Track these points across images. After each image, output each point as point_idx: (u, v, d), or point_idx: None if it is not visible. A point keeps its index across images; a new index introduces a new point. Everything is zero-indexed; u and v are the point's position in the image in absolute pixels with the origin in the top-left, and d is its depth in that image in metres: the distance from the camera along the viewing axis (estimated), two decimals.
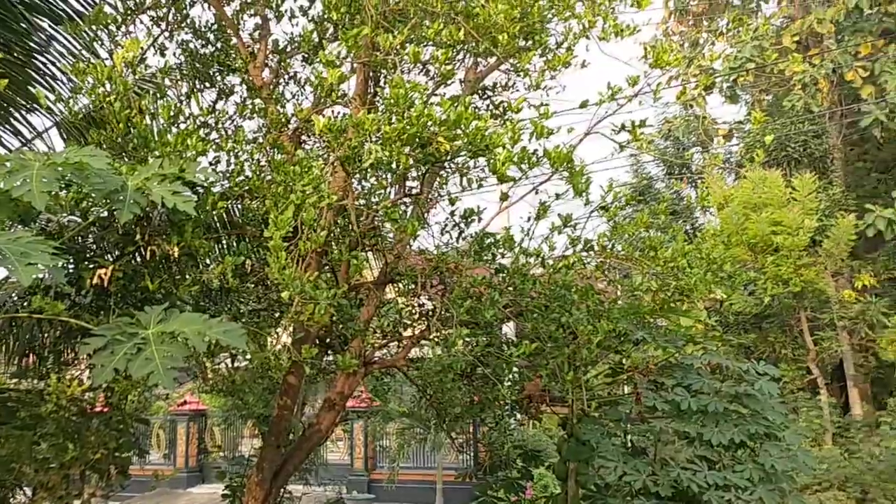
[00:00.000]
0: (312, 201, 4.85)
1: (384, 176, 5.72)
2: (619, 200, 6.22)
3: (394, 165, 5.18)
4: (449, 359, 5.72)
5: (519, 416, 9.02)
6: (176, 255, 4.72)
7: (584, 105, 5.96)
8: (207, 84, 6.72)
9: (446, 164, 5.69)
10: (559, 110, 5.69)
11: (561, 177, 5.54)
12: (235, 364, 7.88)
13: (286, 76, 6.64)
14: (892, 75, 19.04)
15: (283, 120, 6.09)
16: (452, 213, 6.21)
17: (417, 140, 4.91)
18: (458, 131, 4.88)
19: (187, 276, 5.09)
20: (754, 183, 19.60)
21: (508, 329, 8.19)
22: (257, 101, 6.34)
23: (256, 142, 6.03)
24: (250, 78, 6.32)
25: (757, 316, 20.59)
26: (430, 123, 4.83)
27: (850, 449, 17.92)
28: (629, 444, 7.29)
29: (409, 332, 6.81)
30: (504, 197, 5.70)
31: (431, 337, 6.32)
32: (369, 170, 5.42)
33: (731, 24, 24.57)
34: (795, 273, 18.60)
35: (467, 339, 5.79)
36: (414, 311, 6.85)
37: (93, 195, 4.15)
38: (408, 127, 4.77)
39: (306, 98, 6.65)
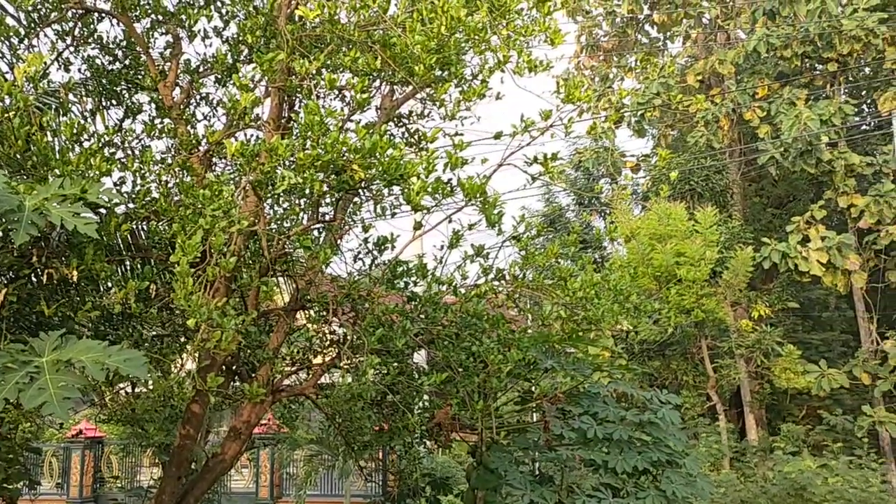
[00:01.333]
0: (222, 226, 4.75)
1: (297, 201, 5.66)
2: (530, 230, 6.33)
3: (307, 191, 5.13)
4: (359, 387, 5.65)
5: (429, 443, 9.00)
6: (75, 278, 4.54)
7: (498, 136, 6.06)
8: (114, 101, 6.51)
9: (360, 191, 5.67)
10: (474, 141, 5.77)
11: (474, 207, 5.60)
12: (136, 391, 7.58)
13: (198, 97, 6.50)
14: (787, 116, 20.10)
15: (194, 141, 5.95)
16: (366, 241, 6.19)
17: (332, 167, 4.88)
18: (373, 159, 4.88)
19: (87, 301, 4.87)
20: (659, 215, 20.31)
21: (420, 357, 8.19)
22: (167, 120, 6.18)
23: (165, 163, 5.87)
24: (160, 97, 6.16)
25: (661, 344, 21.24)
26: (344, 150, 4.82)
27: (746, 473, 18.61)
28: (537, 472, 7.36)
29: (319, 360, 6.71)
30: (418, 225, 5.71)
31: (342, 365, 6.25)
32: (282, 195, 5.35)
33: (640, 62, 25.55)
34: (697, 303, 19.29)
35: (378, 368, 5.76)
36: (325, 339, 6.76)
37: None
38: (322, 153, 4.74)
39: (218, 120, 6.53)
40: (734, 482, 17.39)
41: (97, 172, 4.67)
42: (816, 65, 21.96)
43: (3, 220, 3.86)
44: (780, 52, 21.00)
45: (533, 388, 7.63)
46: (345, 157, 4.81)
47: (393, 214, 5.72)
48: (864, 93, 23.43)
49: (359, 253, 6.23)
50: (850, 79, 22.35)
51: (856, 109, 20.83)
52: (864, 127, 23.47)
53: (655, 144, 26.93)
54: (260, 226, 5.38)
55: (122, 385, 7.13)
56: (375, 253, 6.22)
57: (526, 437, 7.35)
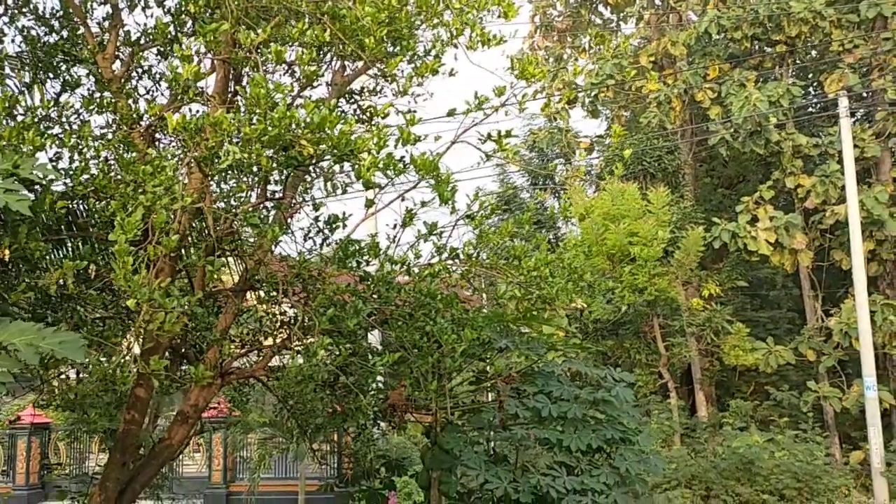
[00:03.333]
0: (164, 203, 4.57)
1: (244, 178, 5.48)
2: (484, 209, 6.25)
3: (255, 168, 4.96)
4: (310, 368, 5.53)
5: (383, 425, 8.92)
6: (7, 258, 4.32)
7: (451, 113, 5.96)
8: (51, 75, 6.23)
9: (310, 167, 5.51)
10: (427, 118, 5.66)
11: (427, 184, 5.50)
12: (81, 376, 7.34)
13: (139, 70, 6.25)
14: (737, 97, 20.33)
15: (135, 116, 5.72)
16: (316, 219, 6.04)
17: (280, 142, 4.72)
18: (323, 135, 4.73)
19: (21, 282, 4.66)
20: (613, 195, 20.43)
21: (373, 338, 8.08)
22: (106, 94, 5.93)
23: (104, 138, 5.63)
24: (99, 70, 5.90)
25: (614, 323, 21.46)
26: (293, 125, 4.66)
27: (697, 448, 18.97)
28: (492, 452, 7.34)
29: (269, 341, 6.56)
30: (370, 203, 5.59)
31: (293, 346, 6.11)
32: (228, 171, 5.17)
33: (594, 42, 25.59)
34: (650, 282, 19.49)
35: (330, 349, 5.64)
36: (275, 320, 6.61)
37: None
38: (270, 128, 4.58)
39: (161, 94, 6.29)
40: (685, 457, 17.71)
41: (31, 147, 4.45)
42: (766, 47, 22.23)
43: None
44: (731, 34, 21.22)
45: (487, 368, 7.60)
46: (293, 132, 4.65)
47: (344, 191, 5.58)
48: (810, 75, 23.81)
49: (309, 232, 6.08)
50: (798, 61, 22.70)
51: (803, 91, 21.13)
52: (810, 108, 23.87)
53: (609, 125, 27.06)
54: (205, 203, 5.20)
55: (64, 369, 6.90)
56: (326, 232, 6.07)
57: (481, 416, 7.32)
